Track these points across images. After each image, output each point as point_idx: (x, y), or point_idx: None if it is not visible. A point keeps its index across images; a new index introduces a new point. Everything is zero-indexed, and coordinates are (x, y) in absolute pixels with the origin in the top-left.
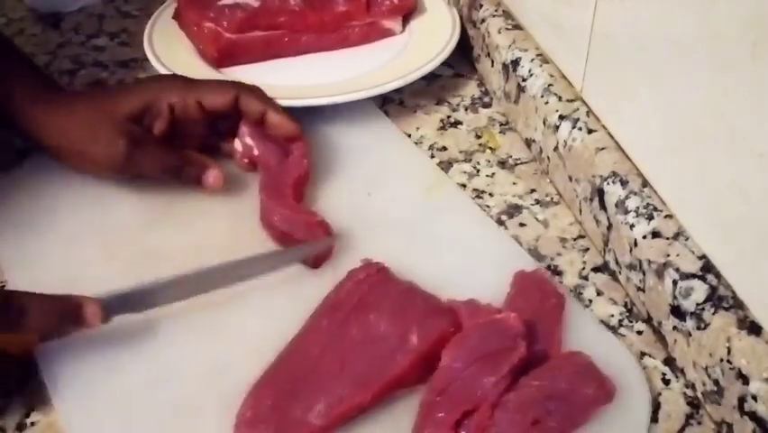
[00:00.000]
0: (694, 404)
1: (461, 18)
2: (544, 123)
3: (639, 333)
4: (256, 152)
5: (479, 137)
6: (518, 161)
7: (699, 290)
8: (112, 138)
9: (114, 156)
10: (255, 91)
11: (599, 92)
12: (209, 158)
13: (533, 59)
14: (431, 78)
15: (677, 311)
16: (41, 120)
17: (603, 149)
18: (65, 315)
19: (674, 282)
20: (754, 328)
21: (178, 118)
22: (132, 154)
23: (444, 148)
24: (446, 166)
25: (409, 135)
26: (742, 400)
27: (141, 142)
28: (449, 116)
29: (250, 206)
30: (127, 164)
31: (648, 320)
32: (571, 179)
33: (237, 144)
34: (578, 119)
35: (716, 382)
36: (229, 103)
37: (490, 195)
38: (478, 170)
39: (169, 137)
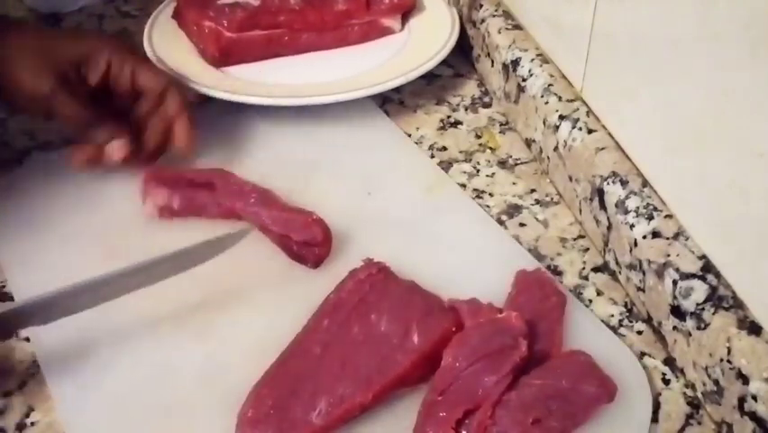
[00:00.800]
0: (694, 404)
1: (460, 18)
2: (544, 123)
3: (639, 333)
4: (176, 203)
5: (479, 137)
6: (518, 161)
7: (699, 290)
8: (43, 71)
9: (39, 89)
10: (182, 93)
11: (599, 92)
12: (125, 130)
13: (533, 59)
14: (431, 77)
15: (677, 311)
16: None
17: (603, 149)
18: None
19: (674, 282)
20: (754, 328)
21: (109, 79)
22: (56, 94)
23: (444, 148)
24: (446, 166)
25: (409, 135)
26: (742, 400)
27: (67, 87)
28: (449, 116)
29: None
30: (48, 101)
31: (648, 320)
32: (571, 179)
33: (150, 202)
34: (578, 119)
35: (716, 382)
36: (156, 89)
37: (490, 195)
38: (478, 170)
39: (92, 95)
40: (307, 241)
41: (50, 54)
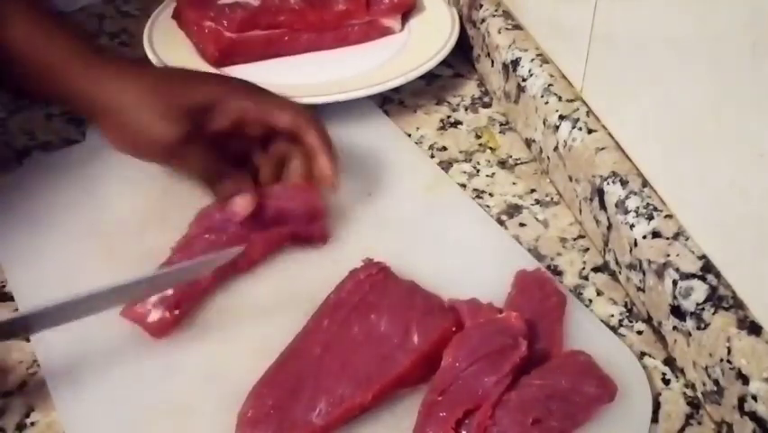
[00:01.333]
0: (694, 404)
1: (460, 18)
2: (544, 123)
3: (639, 333)
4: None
5: (479, 137)
6: (518, 161)
7: (699, 290)
8: (169, 124)
9: (166, 143)
10: (319, 123)
11: (599, 92)
12: (250, 181)
13: (533, 59)
14: (431, 77)
15: (677, 311)
16: (98, 85)
17: (603, 149)
18: None
19: (674, 282)
20: (754, 328)
21: (237, 126)
22: (182, 146)
23: (444, 148)
24: (446, 166)
25: (409, 135)
26: (742, 400)
27: (195, 137)
28: (449, 116)
29: None
30: (174, 155)
31: (648, 320)
32: (571, 179)
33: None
34: (578, 119)
35: (716, 382)
36: (291, 126)
37: (490, 195)
38: (478, 170)
39: (217, 141)
40: (308, 214)
41: (175, 105)
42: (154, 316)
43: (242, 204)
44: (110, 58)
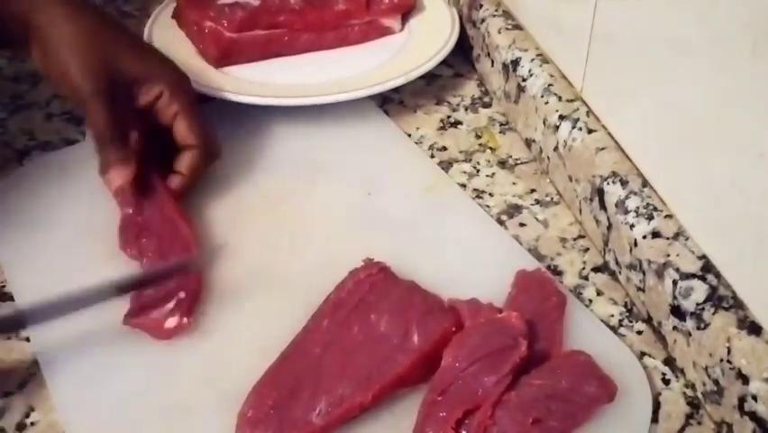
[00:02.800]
0: (694, 404)
1: (460, 18)
2: (544, 123)
3: (639, 333)
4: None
5: (479, 137)
6: (518, 161)
7: (699, 290)
8: (93, 71)
9: (82, 86)
10: (207, 157)
11: (599, 92)
12: (133, 155)
13: (533, 59)
14: (431, 77)
15: (677, 311)
16: (34, 8)
17: (603, 149)
18: None
19: (674, 282)
20: (754, 328)
21: (151, 106)
22: (96, 98)
23: (444, 148)
24: (446, 166)
25: (409, 135)
26: (742, 400)
27: (109, 96)
28: (449, 116)
29: (252, 202)
30: (82, 103)
31: (648, 320)
32: (571, 179)
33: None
34: (578, 119)
35: (716, 382)
36: (186, 142)
37: (490, 195)
38: (478, 170)
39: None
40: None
41: (107, 57)
42: (170, 323)
43: (114, 178)
44: None
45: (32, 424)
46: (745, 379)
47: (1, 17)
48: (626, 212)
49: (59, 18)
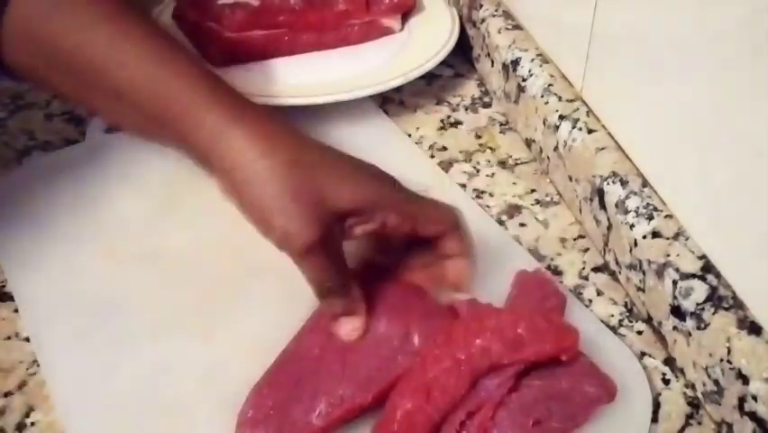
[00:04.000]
0: (694, 404)
1: (460, 18)
2: (544, 123)
3: (639, 333)
4: None
5: (479, 137)
6: (518, 161)
7: (699, 290)
8: (305, 223)
9: (292, 240)
10: (464, 227)
11: (599, 92)
12: (363, 304)
13: (533, 59)
14: (431, 77)
15: (677, 311)
16: (216, 137)
17: (603, 149)
18: None
19: (674, 282)
20: (754, 328)
21: (376, 235)
22: (310, 251)
23: (444, 148)
24: (446, 166)
25: (409, 135)
26: (742, 400)
27: (328, 245)
28: (449, 116)
29: None
30: (296, 253)
31: (648, 320)
32: (571, 179)
33: None
34: (578, 119)
35: (716, 382)
36: (435, 235)
37: (490, 195)
38: (478, 170)
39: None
40: None
41: (318, 197)
42: None
43: (344, 328)
44: (231, 101)
45: (32, 424)
46: (745, 379)
47: (176, 133)
48: (626, 212)
49: (255, 152)
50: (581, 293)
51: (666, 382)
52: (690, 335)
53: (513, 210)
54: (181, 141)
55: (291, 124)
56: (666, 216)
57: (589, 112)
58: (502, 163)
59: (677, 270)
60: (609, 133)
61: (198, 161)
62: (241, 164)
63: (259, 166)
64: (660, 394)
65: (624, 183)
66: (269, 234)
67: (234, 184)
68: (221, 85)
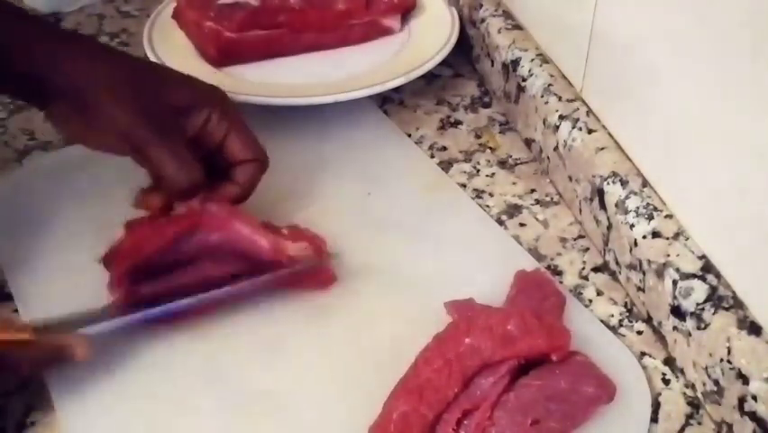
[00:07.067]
0: (694, 404)
1: (460, 18)
2: (544, 123)
3: (639, 333)
4: None
5: (479, 137)
6: (518, 161)
7: (699, 290)
8: (148, 116)
9: (135, 134)
10: (261, 169)
11: (599, 92)
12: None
13: (533, 59)
14: (431, 77)
15: (677, 311)
16: (56, 63)
17: (603, 149)
18: (52, 358)
19: (674, 282)
20: (754, 328)
21: (200, 132)
22: (159, 137)
23: (444, 148)
24: (446, 166)
25: (409, 135)
26: (742, 400)
27: (168, 138)
28: (449, 116)
29: (252, 201)
30: (141, 146)
31: (648, 320)
32: (571, 179)
33: None
34: (578, 119)
35: (716, 382)
36: (242, 159)
37: (490, 195)
38: (478, 170)
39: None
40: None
41: (151, 97)
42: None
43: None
44: (70, 33)
45: (32, 424)
46: (745, 379)
47: (17, 74)
48: (626, 212)
49: (90, 72)
50: (581, 293)
51: (666, 382)
52: (690, 335)
53: (513, 210)
54: (13, 77)
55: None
56: (666, 216)
57: (589, 112)
58: (502, 163)
59: (677, 270)
60: (609, 133)
61: (31, 94)
62: (79, 78)
63: (101, 82)
64: (660, 394)
65: (624, 183)
66: (116, 141)
67: (76, 102)
68: (48, 24)
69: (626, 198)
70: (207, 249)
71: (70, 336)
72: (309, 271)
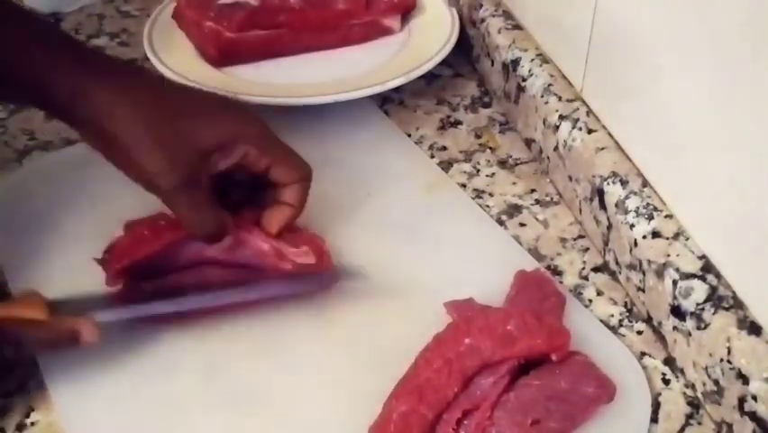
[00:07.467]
0: (694, 404)
1: (460, 18)
2: (544, 123)
3: (639, 333)
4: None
5: (479, 137)
6: (518, 161)
7: (699, 290)
8: (171, 164)
9: (159, 182)
10: (307, 185)
11: (599, 92)
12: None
13: (533, 59)
14: (431, 77)
15: (677, 311)
16: (83, 89)
17: (603, 149)
18: (61, 339)
19: (674, 282)
20: (754, 328)
21: (235, 169)
22: (177, 190)
23: (444, 148)
24: (446, 166)
25: (409, 135)
26: (742, 400)
27: (195, 184)
28: (449, 116)
29: None
30: (164, 194)
31: (648, 320)
32: (571, 179)
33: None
34: (578, 119)
35: (716, 382)
36: (288, 183)
37: (490, 195)
38: (478, 170)
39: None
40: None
41: (182, 138)
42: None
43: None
44: (99, 60)
45: (32, 424)
46: (745, 379)
47: (44, 103)
48: (626, 212)
49: (115, 113)
50: (581, 293)
51: (666, 382)
52: (690, 335)
53: (513, 210)
54: (42, 100)
55: (153, 75)
56: (666, 216)
57: (589, 112)
58: (502, 163)
59: (677, 270)
60: (609, 133)
61: (61, 116)
62: (107, 116)
63: (124, 116)
64: (660, 394)
65: (624, 183)
66: (138, 179)
67: (100, 136)
68: (81, 46)
69: (626, 198)
70: (208, 252)
71: (80, 320)
72: (309, 274)
